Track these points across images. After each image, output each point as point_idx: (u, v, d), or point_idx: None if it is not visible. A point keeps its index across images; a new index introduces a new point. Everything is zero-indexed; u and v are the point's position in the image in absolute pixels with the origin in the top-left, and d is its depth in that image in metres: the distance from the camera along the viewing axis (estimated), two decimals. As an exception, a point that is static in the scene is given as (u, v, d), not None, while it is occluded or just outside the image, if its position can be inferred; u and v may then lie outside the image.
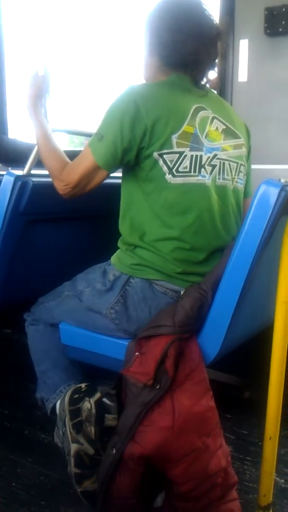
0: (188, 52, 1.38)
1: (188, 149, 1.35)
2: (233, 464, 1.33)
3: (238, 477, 1.31)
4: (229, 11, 2.27)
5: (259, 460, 1.37)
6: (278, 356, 1.28)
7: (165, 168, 1.35)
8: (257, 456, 1.57)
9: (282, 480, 1.63)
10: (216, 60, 1.46)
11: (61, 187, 1.44)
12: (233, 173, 1.47)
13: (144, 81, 1.52)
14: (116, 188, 1.48)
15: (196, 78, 1.42)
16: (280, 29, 2.17)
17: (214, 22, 1.42)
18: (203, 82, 1.45)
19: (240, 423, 1.96)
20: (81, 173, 1.40)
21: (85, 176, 1.40)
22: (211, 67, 1.45)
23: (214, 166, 1.41)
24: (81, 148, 1.46)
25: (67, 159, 1.48)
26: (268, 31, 2.20)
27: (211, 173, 1.40)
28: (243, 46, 2.29)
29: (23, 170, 1.59)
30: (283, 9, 2.15)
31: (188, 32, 1.37)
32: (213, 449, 1.24)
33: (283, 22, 2.17)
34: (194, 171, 1.37)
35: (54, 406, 1.54)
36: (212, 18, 1.42)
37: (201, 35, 1.38)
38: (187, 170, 1.36)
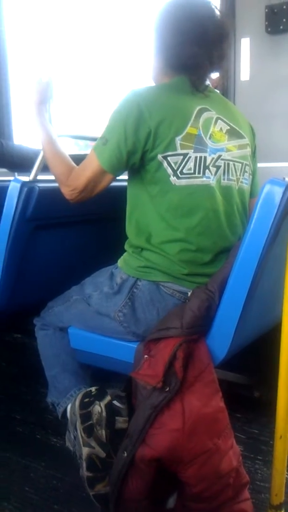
0: (187, 55, 1.37)
1: (192, 150, 1.35)
2: (244, 463, 1.33)
3: (249, 477, 1.31)
4: (229, 10, 2.27)
5: (271, 459, 1.37)
6: (286, 354, 1.28)
7: (169, 170, 1.35)
8: (269, 455, 1.57)
9: (294, 479, 1.63)
10: (221, 62, 1.45)
11: (68, 192, 1.45)
12: (238, 173, 1.47)
13: (152, 81, 1.52)
14: (121, 191, 1.49)
15: (196, 82, 1.41)
16: (281, 27, 2.17)
17: (221, 25, 1.40)
18: (206, 84, 1.45)
19: (250, 423, 1.95)
20: (87, 178, 1.40)
21: (91, 180, 1.41)
22: (213, 70, 1.44)
23: (218, 167, 1.41)
24: (86, 151, 1.47)
25: (73, 164, 1.48)
26: (269, 29, 2.19)
27: (215, 174, 1.40)
28: (245, 45, 2.29)
29: (29, 175, 1.60)
30: (284, 7, 2.15)
31: (190, 35, 1.36)
32: (224, 450, 1.24)
33: (284, 20, 2.16)
34: (199, 173, 1.37)
35: (65, 410, 1.55)
36: (219, 20, 1.40)
37: (203, 38, 1.36)
38: (192, 171, 1.36)
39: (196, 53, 1.37)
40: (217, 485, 1.23)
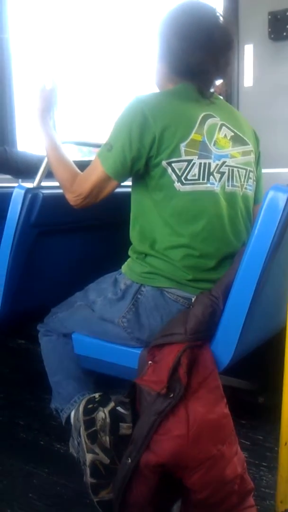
0: (195, 62, 1.37)
1: (197, 157, 1.36)
2: (249, 470, 1.33)
3: (254, 484, 1.30)
4: (233, 16, 2.29)
5: (276, 465, 1.36)
6: (291, 361, 1.28)
7: (174, 176, 1.35)
8: (274, 461, 1.56)
9: (299, 486, 1.62)
10: (226, 69, 1.45)
11: (72, 198, 1.46)
12: (242, 180, 1.48)
13: (155, 86, 1.52)
14: (125, 197, 1.49)
15: (203, 88, 1.42)
16: (284, 33, 2.18)
17: (226, 31, 1.40)
18: (211, 91, 1.46)
19: (255, 429, 1.95)
20: (92, 184, 1.41)
21: (96, 186, 1.41)
22: (220, 77, 1.45)
23: (223, 173, 1.41)
24: (90, 157, 1.47)
25: (77, 170, 1.49)
26: (272, 35, 2.21)
27: (220, 180, 1.41)
28: (248, 51, 2.30)
29: (33, 182, 1.61)
30: (287, 13, 2.16)
31: (196, 41, 1.36)
32: (228, 456, 1.24)
33: (287, 26, 2.18)
34: (203, 179, 1.38)
35: (69, 416, 1.54)
36: (224, 27, 1.41)
37: (211, 45, 1.37)
38: (196, 177, 1.37)
39: (204, 59, 1.37)
40: (222, 492, 1.22)
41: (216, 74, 1.43)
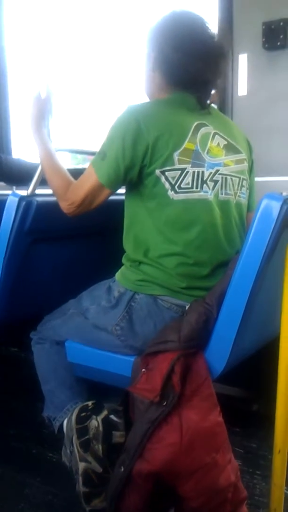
0: (195, 72, 1.38)
1: (190, 165, 1.36)
2: (242, 478, 1.32)
3: (248, 492, 1.30)
4: (227, 26, 2.30)
5: (269, 473, 1.36)
6: (285, 368, 1.28)
7: (167, 185, 1.36)
8: (267, 469, 1.56)
9: (293, 494, 1.62)
10: (220, 79, 1.47)
11: (66, 206, 1.46)
12: (236, 188, 1.48)
13: (145, 94, 1.53)
14: (119, 205, 1.49)
15: (203, 97, 1.43)
16: (278, 43, 2.20)
17: (219, 41, 1.43)
18: (208, 101, 1.47)
19: (248, 437, 1.94)
20: (85, 192, 1.41)
21: (89, 195, 1.41)
22: (217, 85, 1.46)
23: (216, 182, 1.42)
24: (84, 165, 1.47)
25: (71, 178, 1.49)
26: (266, 45, 2.22)
27: (213, 188, 1.41)
28: (242, 61, 2.32)
29: (27, 189, 1.60)
30: (281, 23, 2.18)
31: (193, 51, 1.37)
32: (222, 465, 1.23)
33: (281, 36, 2.20)
34: (196, 187, 1.38)
35: (62, 424, 1.54)
36: (215, 36, 1.42)
37: (206, 55, 1.38)
38: (189, 186, 1.37)
39: (203, 68, 1.39)
40: (215, 500, 1.22)
41: (215, 83, 1.44)
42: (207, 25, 1.42)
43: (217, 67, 1.42)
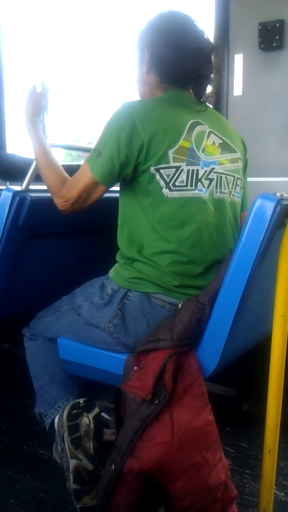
0: (190, 68, 1.40)
1: (185, 163, 1.36)
2: (232, 477, 1.32)
3: (238, 491, 1.30)
4: (223, 26, 2.31)
5: (259, 473, 1.36)
6: (276, 368, 1.28)
7: (162, 183, 1.36)
8: (257, 469, 1.56)
9: (282, 494, 1.63)
10: (212, 75, 1.48)
11: (61, 203, 1.45)
12: (230, 187, 1.49)
13: (138, 95, 1.53)
14: (114, 202, 1.49)
15: (200, 93, 1.45)
16: (274, 44, 2.21)
17: (207, 37, 1.44)
18: (204, 98, 1.47)
19: (239, 436, 1.95)
20: (80, 189, 1.41)
21: (84, 192, 1.41)
22: (210, 81, 1.47)
23: (211, 180, 1.42)
24: (79, 162, 1.47)
25: (66, 175, 1.49)
26: (262, 45, 2.23)
27: (208, 187, 1.41)
28: (238, 61, 2.33)
29: (21, 185, 1.60)
30: (277, 24, 2.19)
31: (188, 48, 1.39)
32: (212, 463, 1.24)
33: (277, 37, 2.20)
34: (191, 185, 1.38)
35: (53, 421, 1.53)
36: (204, 33, 1.44)
37: (200, 50, 1.40)
38: (184, 184, 1.37)
39: (198, 65, 1.40)
40: (205, 499, 1.22)
41: (209, 77, 1.46)
42: (195, 22, 1.44)
43: (210, 60, 1.43)
